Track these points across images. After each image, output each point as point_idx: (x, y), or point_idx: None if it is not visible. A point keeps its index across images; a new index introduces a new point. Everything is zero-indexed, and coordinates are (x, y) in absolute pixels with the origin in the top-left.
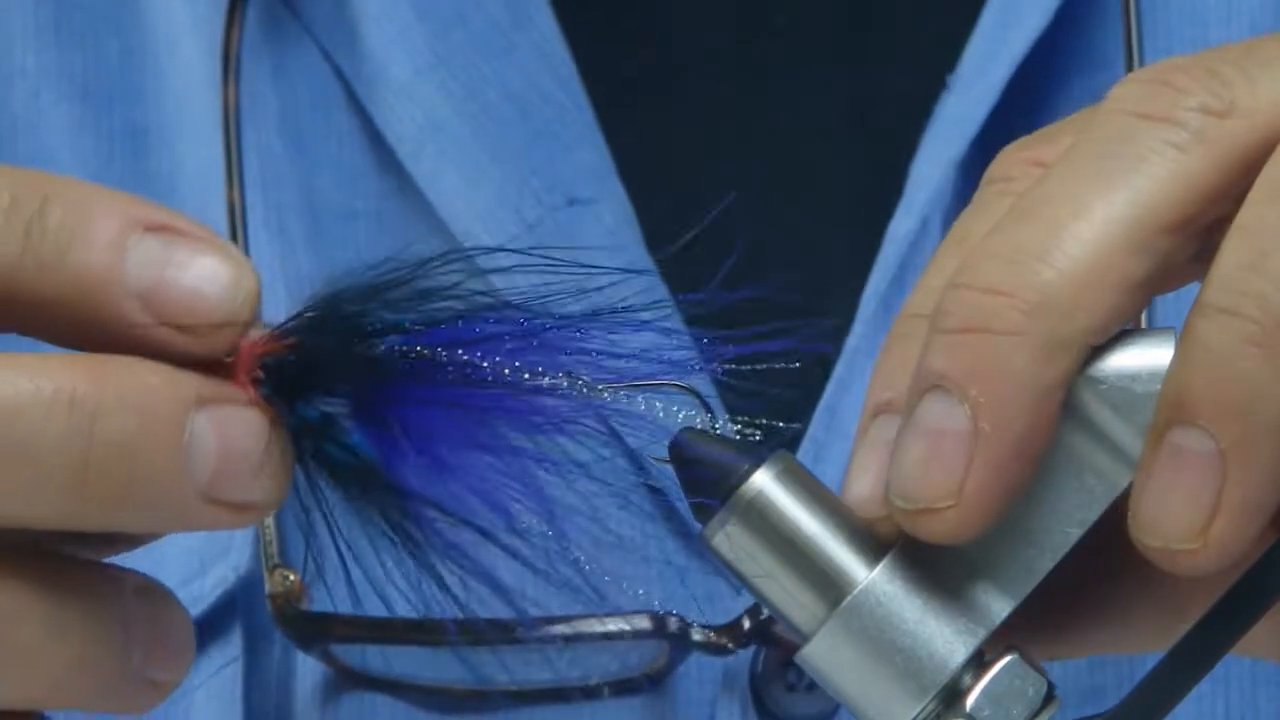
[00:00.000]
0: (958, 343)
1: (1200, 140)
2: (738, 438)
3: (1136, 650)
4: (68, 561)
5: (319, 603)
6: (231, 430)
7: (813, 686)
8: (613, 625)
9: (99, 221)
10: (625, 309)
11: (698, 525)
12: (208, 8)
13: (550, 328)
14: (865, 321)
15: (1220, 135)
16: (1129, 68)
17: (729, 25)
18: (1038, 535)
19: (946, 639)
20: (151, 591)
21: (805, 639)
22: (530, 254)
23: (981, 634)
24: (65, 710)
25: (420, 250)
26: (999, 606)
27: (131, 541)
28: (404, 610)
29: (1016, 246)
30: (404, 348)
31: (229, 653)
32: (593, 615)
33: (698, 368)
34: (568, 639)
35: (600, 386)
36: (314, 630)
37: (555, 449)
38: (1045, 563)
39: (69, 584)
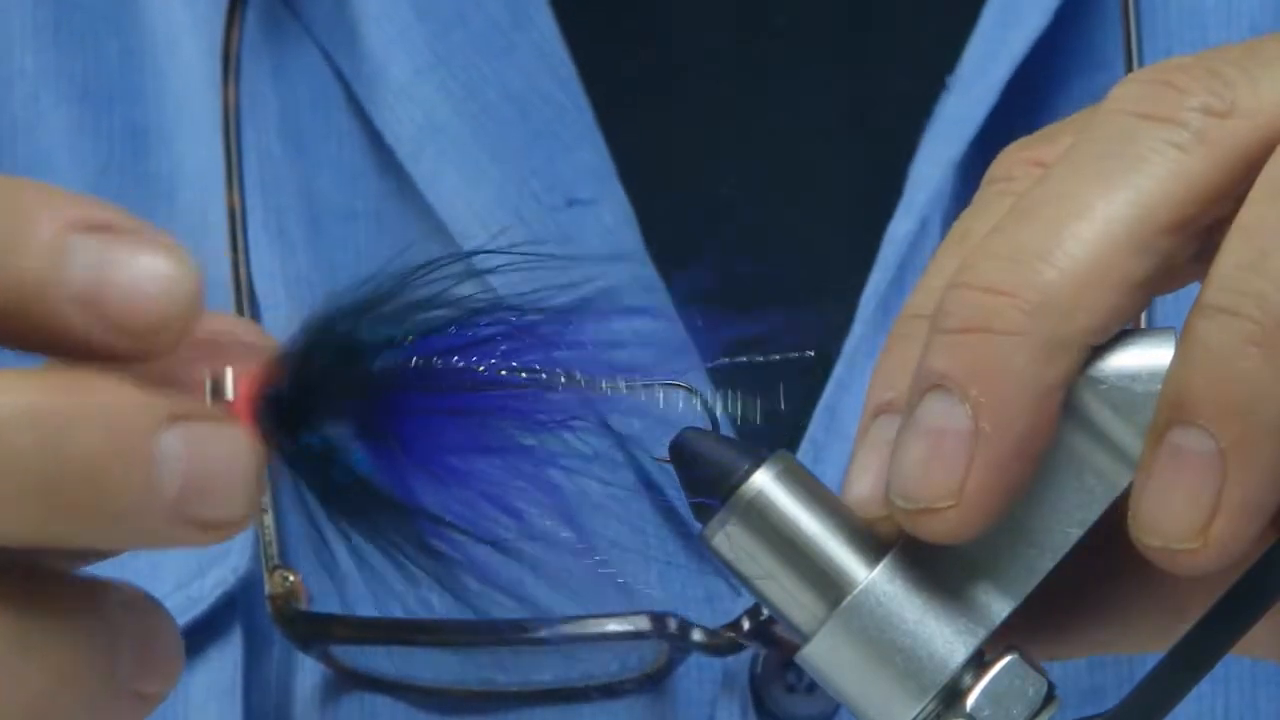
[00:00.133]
0: (959, 342)
1: (1202, 140)
2: (738, 438)
3: (1136, 650)
4: (40, 577)
5: (318, 603)
6: (202, 447)
7: (813, 687)
8: (612, 626)
9: (37, 223)
10: (616, 295)
11: (698, 525)
12: (207, 8)
13: (543, 321)
14: (865, 322)
15: (1222, 135)
16: (1128, 68)
17: (729, 25)
18: (1038, 535)
19: (946, 639)
20: (137, 602)
21: (805, 639)
22: (517, 252)
23: (981, 634)
24: None
25: (420, 251)
26: (999, 606)
27: (102, 553)
28: (403, 611)
29: (1017, 246)
30: (401, 362)
31: (229, 653)
32: (592, 616)
33: (692, 353)
34: (568, 640)
35: (600, 385)
36: (314, 631)
37: (560, 446)
38: (1045, 563)
39: (43, 600)
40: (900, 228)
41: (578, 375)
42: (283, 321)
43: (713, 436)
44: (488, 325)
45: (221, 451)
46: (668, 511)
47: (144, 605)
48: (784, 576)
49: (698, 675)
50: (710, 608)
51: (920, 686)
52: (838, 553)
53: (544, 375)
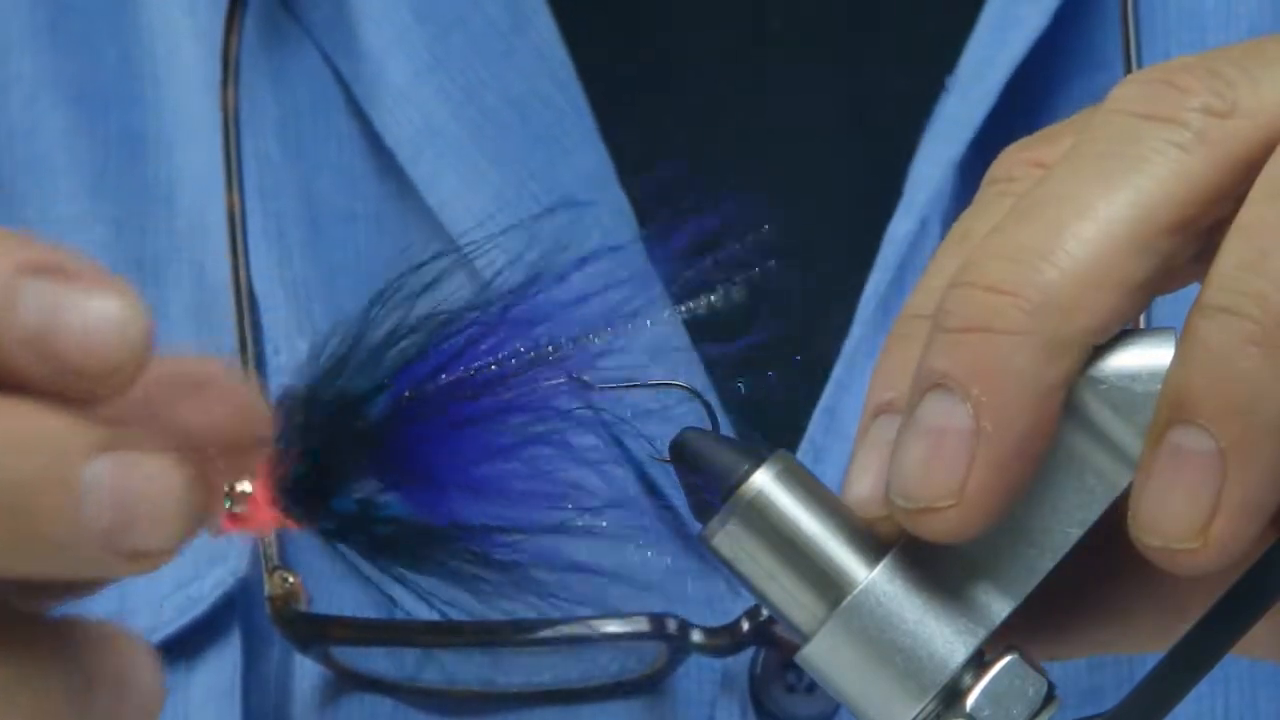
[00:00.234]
0: (960, 342)
1: (1203, 140)
2: (738, 438)
3: (1136, 650)
4: (10, 620)
5: (317, 604)
6: (129, 476)
7: (812, 687)
8: (612, 627)
9: None
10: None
11: (698, 525)
12: (207, 11)
13: (513, 302)
14: (864, 323)
15: (1223, 136)
16: (1127, 69)
17: (728, 26)
18: (1038, 535)
19: (946, 639)
20: (114, 639)
21: (805, 639)
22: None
23: (981, 634)
24: None
25: (418, 253)
26: (999, 606)
27: (72, 590)
28: (403, 612)
29: (1019, 246)
30: (398, 398)
31: (228, 654)
32: (592, 617)
33: (663, 292)
34: (567, 640)
35: (600, 386)
36: (313, 632)
37: (563, 445)
38: (1045, 563)
39: (12, 644)
40: (900, 228)
41: (565, 345)
42: (282, 324)
43: (713, 436)
44: (463, 330)
45: (149, 479)
46: (668, 511)
47: (121, 642)
48: (784, 576)
49: (697, 676)
50: (710, 608)
51: (920, 686)
52: (838, 553)
53: (533, 355)
